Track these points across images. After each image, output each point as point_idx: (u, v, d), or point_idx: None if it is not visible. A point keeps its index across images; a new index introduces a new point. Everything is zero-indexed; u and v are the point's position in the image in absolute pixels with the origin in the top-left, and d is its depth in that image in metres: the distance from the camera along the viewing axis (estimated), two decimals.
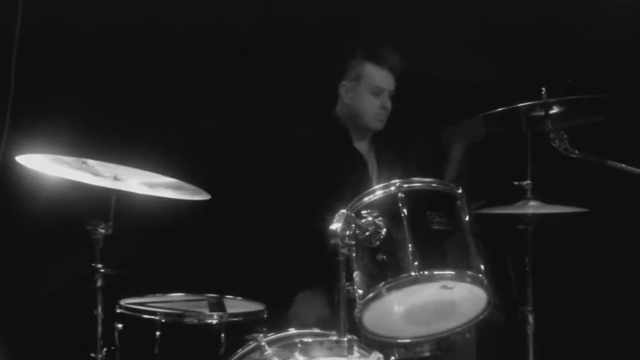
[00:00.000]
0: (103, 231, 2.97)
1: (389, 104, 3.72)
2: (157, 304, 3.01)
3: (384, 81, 3.71)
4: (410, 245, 2.74)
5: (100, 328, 2.92)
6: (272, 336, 2.78)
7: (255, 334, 2.77)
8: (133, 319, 2.98)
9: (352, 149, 3.75)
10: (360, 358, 2.62)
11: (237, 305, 3.09)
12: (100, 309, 2.93)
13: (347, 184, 3.50)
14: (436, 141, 7.70)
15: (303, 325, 2.95)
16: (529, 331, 3.42)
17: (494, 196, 3.33)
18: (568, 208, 3.38)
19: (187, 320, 2.97)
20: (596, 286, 6.38)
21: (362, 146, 3.79)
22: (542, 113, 3.27)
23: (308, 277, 3.48)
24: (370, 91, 3.70)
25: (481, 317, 2.92)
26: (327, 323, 2.92)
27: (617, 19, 5.82)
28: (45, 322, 4.69)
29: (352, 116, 3.75)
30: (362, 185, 3.47)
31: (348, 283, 2.71)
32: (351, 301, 2.74)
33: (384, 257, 2.77)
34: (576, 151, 3.16)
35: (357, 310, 2.76)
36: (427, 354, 2.91)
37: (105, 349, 2.94)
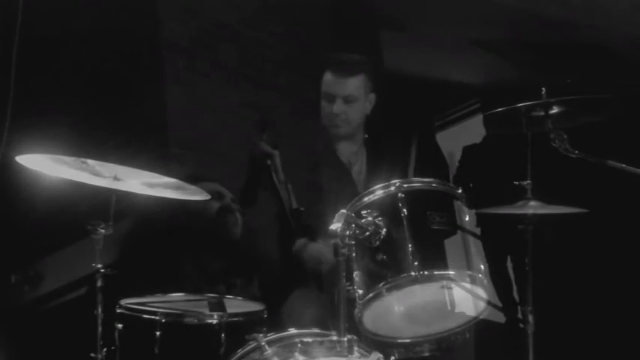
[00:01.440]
0: (103, 231, 2.97)
1: (340, 109, 3.63)
2: (157, 304, 3.01)
3: (334, 87, 3.65)
4: (410, 245, 2.74)
5: (100, 328, 2.92)
6: (272, 336, 2.78)
7: (255, 334, 2.77)
8: (133, 319, 2.98)
9: (333, 157, 3.73)
10: (360, 358, 2.62)
11: (237, 305, 3.09)
12: (100, 309, 2.93)
13: (330, 191, 3.53)
14: (432, 142, 7.73)
15: (297, 324, 2.95)
16: (529, 331, 3.42)
17: (494, 196, 3.33)
18: (568, 208, 3.38)
19: (187, 320, 2.97)
20: (596, 286, 6.39)
21: (347, 151, 3.76)
22: (542, 113, 3.27)
23: (302, 277, 3.47)
24: (323, 97, 3.69)
25: (481, 317, 2.91)
26: (321, 321, 2.92)
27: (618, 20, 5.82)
28: (45, 322, 4.70)
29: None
30: (344, 191, 3.48)
31: (348, 283, 2.71)
32: (351, 301, 2.74)
33: (384, 257, 2.78)
34: (576, 151, 3.16)
35: (357, 310, 2.76)
36: (427, 354, 2.91)
37: (105, 349, 2.93)
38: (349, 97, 3.64)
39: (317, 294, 3.44)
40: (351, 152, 3.76)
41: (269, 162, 3.50)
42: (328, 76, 3.68)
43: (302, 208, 3.45)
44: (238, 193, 3.76)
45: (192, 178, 3.47)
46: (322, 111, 3.69)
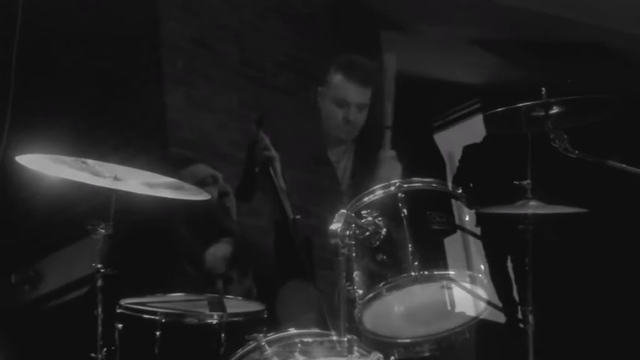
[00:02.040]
0: (103, 231, 2.97)
1: (354, 117, 3.61)
2: (157, 304, 3.01)
3: (350, 94, 3.61)
4: (410, 245, 2.74)
5: (100, 328, 2.91)
6: (272, 336, 2.77)
7: (255, 334, 2.77)
8: (133, 319, 2.98)
9: (320, 155, 3.71)
10: (360, 358, 2.62)
11: (237, 305, 3.09)
12: (100, 309, 2.93)
13: (318, 188, 3.52)
14: (431, 143, 7.73)
15: (290, 316, 2.95)
16: (529, 331, 3.42)
17: (494, 196, 3.33)
18: (568, 208, 3.38)
19: (187, 320, 2.97)
20: (596, 286, 6.39)
21: (337, 149, 3.74)
22: (543, 113, 3.27)
23: (290, 270, 3.46)
24: (334, 101, 3.63)
25: (481, 317, 2.91)
26: (315, 310, 2.92)
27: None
28: (45, 322, 4.70)
29: (323, 122, 3.72)
30: (328, 190, 3.47)
31: (348, 283, 2.71)
32: (351, 301, 2.74)
33: (384, 257, 2.78)
34: (576, 151, 3.16)
35: (357, 310, 2.76)
36: (427, 354, 2.91)
37: (105, 349, 2.93)
38: (363, 105, 3.62)
39: (311, 287, 3.42)
40: (340, 150, 3.74)
41: (270, 167, 3.45)
42: (341, 80, 3.62)
43: (298, 217, 3.42)
44: (236, 190, 3.74)
45: (182, 161, 3.45)
46: (330, 114, 3.65)
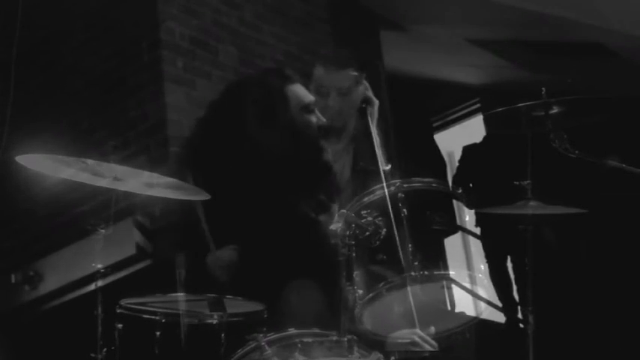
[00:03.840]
0: (103, 231, 2.97)
1: (335, 102, 3.58)
2: (157, 304, 3.01)
3: (327, 80, 3.61)
4: (410, 245, 2.74)
5: (100, 328, 2.91)
6: (272, 336, 2.77)
7: (255, 334, 2.77)
8: (133, 319, 2.98)
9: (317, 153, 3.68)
10: (360, 358, 2.62)
11: (237, 305, 3.09)
12: (100, 309, 2.93)
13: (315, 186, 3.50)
14: (432, 143, 7.72)
15: (299, 317, 2.96)
16: (529, 331, 3.42)
17: (494, 196, 3.33)
18: (568, 208, 3.38)
19: (187, 320, 2.97)
20: (596, 286, 6.39)
21: (331, 149, 3.72)
22: (542, 113, 3.27)
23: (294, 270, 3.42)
24: (315, 91, 3.65)
25: (481, 317, 2.91)
26: (323, 311, 2.93)
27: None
28: (45, 322, 4.69)
29: None
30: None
31: (348, 283, 2.71)
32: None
33: (384, 257, 2.78)
34: (576, 151, 3.16)
35: (357, 310, 2.76)
36: (427, 354, 2.91)
37: (105, 349, 2.93)
38: (342, 89, 3.62)
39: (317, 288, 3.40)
40: (335, 150, 3.73)
41: (368, 111, 3.38)
42: (320, 71, 3.65)
43: (388, 167, 3.27)
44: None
45: (282, 78, 3.33)
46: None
